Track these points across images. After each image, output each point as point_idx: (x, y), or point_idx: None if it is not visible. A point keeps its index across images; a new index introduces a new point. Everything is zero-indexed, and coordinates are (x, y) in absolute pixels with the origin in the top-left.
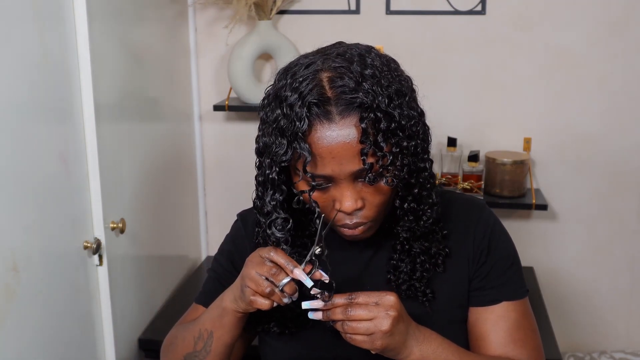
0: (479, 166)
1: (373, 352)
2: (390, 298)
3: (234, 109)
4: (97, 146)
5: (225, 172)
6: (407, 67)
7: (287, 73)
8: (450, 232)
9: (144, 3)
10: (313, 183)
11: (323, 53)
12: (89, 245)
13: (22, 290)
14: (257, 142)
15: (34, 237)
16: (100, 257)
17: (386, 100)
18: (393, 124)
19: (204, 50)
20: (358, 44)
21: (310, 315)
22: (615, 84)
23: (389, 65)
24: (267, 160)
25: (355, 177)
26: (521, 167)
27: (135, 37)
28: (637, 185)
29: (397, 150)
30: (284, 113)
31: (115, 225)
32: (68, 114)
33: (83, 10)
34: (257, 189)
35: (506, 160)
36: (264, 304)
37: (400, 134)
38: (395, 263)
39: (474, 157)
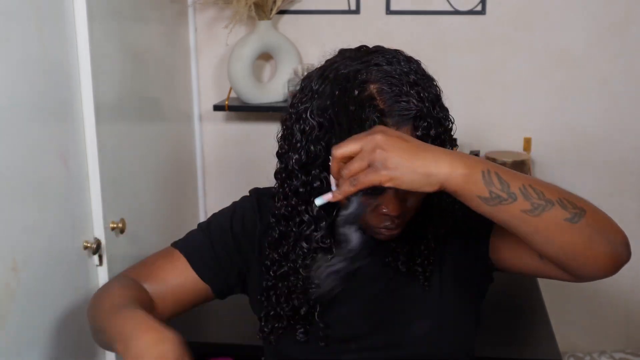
0: None
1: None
2: (374, 137)
3: (234, 109)
4: (97, 146)
5: (225, 172)
6: None
7: (324, 80)
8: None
9: (144, 3)
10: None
11: (360, 61)
12: (88, 245)
13: (22, 290)
14: (296, 153)
15: (34, 237)
16: (100, 257)
17: (431, 106)
18: (441, 128)
19: (204, 50)
20: (381, 47)
21: (318, 201)
22: (616, 84)
23: (419, 68)
24: (316, 170)
25: None
26: (521, 167)
27: (135, 37)
28: (638, 186)
29: None
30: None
31: (115, 226)
32: (68, 114)
33: (83, 10)
34: (289, 200)
35: (506, 160)
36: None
37: (444, 137)
38: (395, 246)
39: None
